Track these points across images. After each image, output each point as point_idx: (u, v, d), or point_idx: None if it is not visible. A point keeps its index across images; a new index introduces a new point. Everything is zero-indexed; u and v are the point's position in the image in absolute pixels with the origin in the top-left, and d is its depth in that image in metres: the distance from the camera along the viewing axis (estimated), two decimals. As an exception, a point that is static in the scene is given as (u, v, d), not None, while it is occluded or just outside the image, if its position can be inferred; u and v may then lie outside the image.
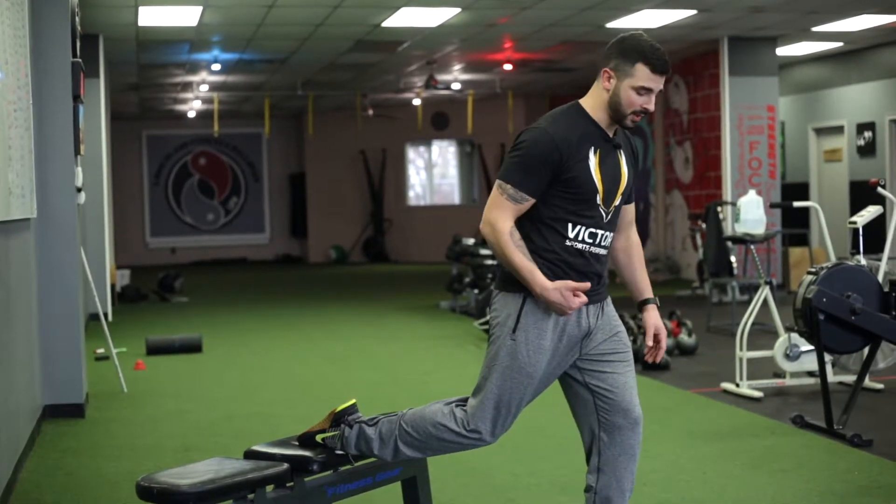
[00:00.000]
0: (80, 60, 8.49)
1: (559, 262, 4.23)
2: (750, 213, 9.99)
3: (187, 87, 21.02)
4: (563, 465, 6.33)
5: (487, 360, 4.32)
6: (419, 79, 20.54)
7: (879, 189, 8.17)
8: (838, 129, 17.72)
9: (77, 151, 8.40)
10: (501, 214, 4.20)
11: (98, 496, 6.06)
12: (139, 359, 10.93)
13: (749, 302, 11.04)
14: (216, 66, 18.09)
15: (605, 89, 4.26)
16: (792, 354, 8.67)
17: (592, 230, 4.25)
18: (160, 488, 4.15)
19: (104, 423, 8.08)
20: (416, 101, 23.62)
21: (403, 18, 13.99)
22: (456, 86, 20.90)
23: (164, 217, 27.69)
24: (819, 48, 17.35)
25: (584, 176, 4.20)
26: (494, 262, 14.15)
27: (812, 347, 8.03)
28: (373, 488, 4.76)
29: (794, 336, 8.56)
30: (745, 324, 8.82)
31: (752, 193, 10.16)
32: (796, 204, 9.48)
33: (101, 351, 11.11)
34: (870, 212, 8.22)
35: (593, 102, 4.30)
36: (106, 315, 13.64)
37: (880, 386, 8.69)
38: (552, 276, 4.20)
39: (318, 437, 4.58)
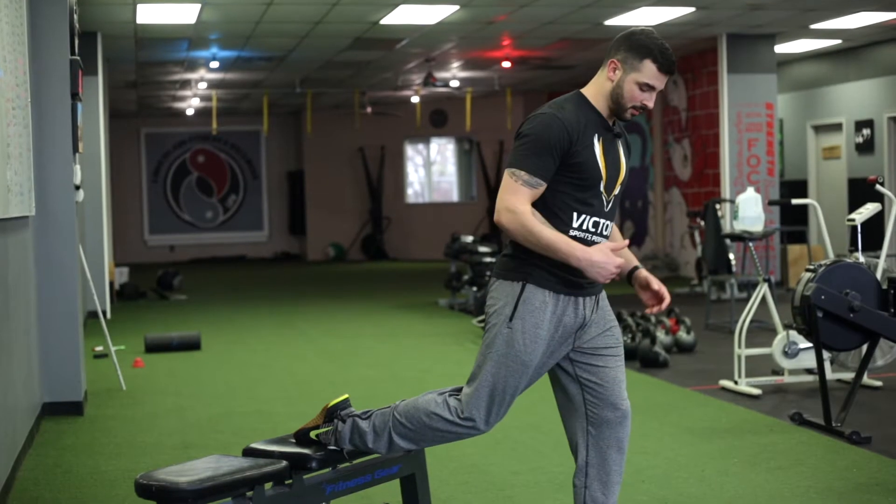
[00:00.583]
0: (78, 58, 8.49)
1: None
2: (748, 210, 10.00)
3: (186, 84, 21.02)
4: (562, 463, 6.34)
5: (483, 347, 4.31)
6: (418, 76, 20.55)
7: (878, 186, 8.17)
8: (837, 127, 17.73)
9: (75, 149, 8.40)
10: (518, 198, 4.15)
11: (97, 494, 6.06)
12: (138, 356, 10.93)
13: (747, 299, 11.06)
14: (214, 64, 18.09)
15: (610, 79, 4.28)
16: (790, 352, 8.67)
17: (595, 219, 4.26)
18: (159, 486, 4.15)
19: (103, 421, 8.08)
20: (415, 99, 23.62)
21: (402, 16, 13.99)
22: (454, 83, 20.90)
23: (163, 215, 27.69)
24: (818, 45, 17.35)
25: (591, 162, 4.21)
26: (493, 259, 14.17)
27: (810, 345, 8.03)
28: (371, 485, 4.76)
29: (793, 333, 8.56)
30: (744, 321, 8.83)
31: (750, 191, 10.17)
32: (795, 201, 9.49)
33: (99, 349, 11.11)
34: (868, 209, 8.23)
35: (595, 91, 4.32)
36: (105, 313, 13.64)
37: (879, 383, 8.69)
38: (554, 269, 4.20)
39: (313, 434, 4.59)
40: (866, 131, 16.87)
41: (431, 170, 28.35)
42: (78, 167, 8.54)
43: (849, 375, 8.63)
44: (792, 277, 15.95)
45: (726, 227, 14.13)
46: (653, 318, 10.86)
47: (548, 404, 6.30)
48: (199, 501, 4.18)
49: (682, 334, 10.73)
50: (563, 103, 4.27)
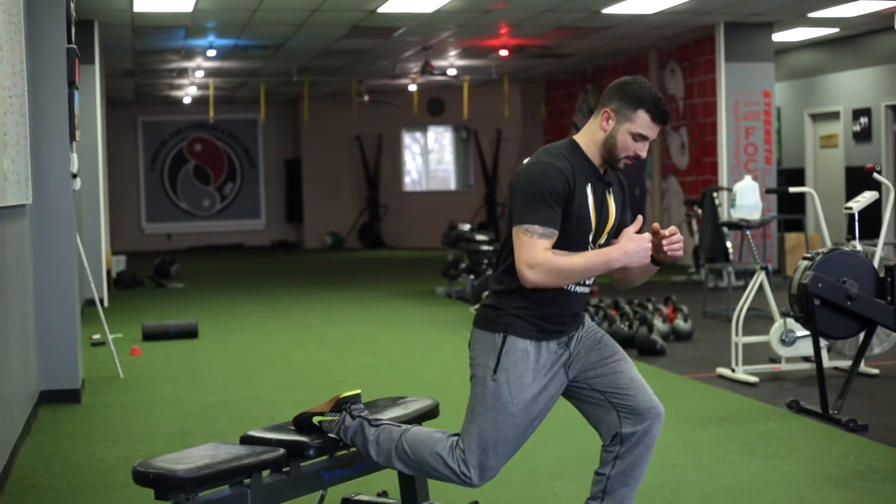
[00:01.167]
0: (75, 46, 8.48)
1: (532, 305, 4.25)
2: (746, 198, 10.00)
3: (183, 73, 21.00)
4: (560, 451, 6.35)
5: (470, 402, 4.34)
6: (415, 65, 20.52)
7: (875, 175, 8.17)
8: (834, 115, 17.73)
9: (72, 137, 8.39)
10: (535, 251, 4.12)
11: (94, 481, 6.07)
12: (135, 344, 10.93)
13: (745, 287, 11.07)
14: (211, 52, 18.07)
15: (603, 129, 4.26)
16: (787, 340, 8.68)
17: None
18: (156, 473, 4.16)
19: (100, 409, 8.09)
20: (412, 87, 23.60)
21: (399, 4, 13.98)
22: (452, 72, 20.89)
23: (160, 203, 27.67)
24: (815, 34, 17.35)
25: (583, 212, 4.22)
26: (490, 248, 14.18)
27: (808, 333, 8.04)
28: (368, 473, 4.77)
29: (790, 321, 8.57)
30: (741, 309, 8.83)
31: (747, 179, 10.17)
32: (792, 189, 9.48)
33: (97, 337, 11.11)
34: (865, 197, 8.23)
35: (588, 140, 4.31)
36: (102, 301, 13.64)
37: (876, 371, 8.70)
38: (533, 318, 4.25)
39: (316, 420, 4.59)
40: (864, 120, 16.87)
41: (429, 158, 28.33)
42: (75, 155, 8.53)
43: (846, 363, 8.64)
44: (789, 265, 15.95)
45: (723, 215, 14.13)
46: (650, 307, 10.87)
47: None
48: (197, 489, 4.18)
49: (680, 322, 10.74)
50: (557, 152, 4.25)
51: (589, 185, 4.24)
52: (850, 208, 8.13)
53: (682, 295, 12.95)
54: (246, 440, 4.64)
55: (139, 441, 7.03)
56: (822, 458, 6.26)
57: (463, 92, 22.89)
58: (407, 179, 27.86)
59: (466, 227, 15.94)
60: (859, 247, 7.87)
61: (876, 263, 7.78)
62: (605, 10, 14.75)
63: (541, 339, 4.28)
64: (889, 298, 7.15)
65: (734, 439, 6.73)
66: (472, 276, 14.21)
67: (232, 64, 19.85)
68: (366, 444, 4.49)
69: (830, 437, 6.73)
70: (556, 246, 4.17)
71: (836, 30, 16.92)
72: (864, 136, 16.89)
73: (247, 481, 4.37)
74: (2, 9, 6.52)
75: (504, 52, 19.02)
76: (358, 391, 4.62)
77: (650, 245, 4.17)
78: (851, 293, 7.11)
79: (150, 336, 11.46)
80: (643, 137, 4.24)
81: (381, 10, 14.35)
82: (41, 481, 6.11)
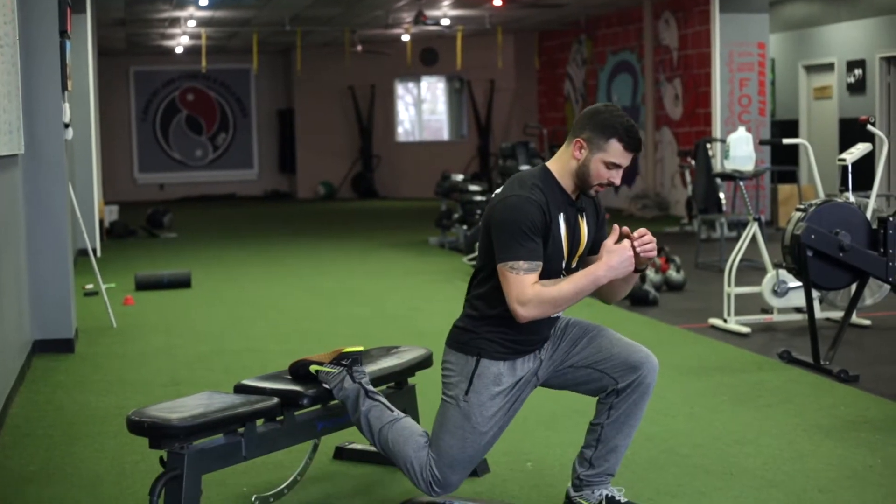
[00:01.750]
0: (66, -6, 8.42)
1: (507, 330, 4.31)
2: (739, 149, 9.97)
3: (175, 22, 20.87)
4: (552, 402, 6.36)
5: (440, 418, 4.41)
6: (408, 14, 20.42)
7: (869, 126, 8.16)
8: (828, 67, 17.68)
9: (64, 87, 8.36)
10: (523, 288, 4.16)
11: (88, 430, 6.09)
12: (128, 294, 10.94)
13: (737, 238, 11.07)
14: (204, 2, 17.94)
15: (576, 158, 4.29)
16: (780, 290, 8.70)
17: None
18: (151, 422, 4.17)
19: (94, 358, 8.10)
20: (405, 37, 23.48)
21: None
22: (445, 21, 20.79)
23: (153, 153, 27.58)
24: (810, -16, 17.27)
25: (556, 242, 4.27)
26: (483, 199, 14.17)
27: (800, 284, 8.06)
28: (362, 422, 4.78)
29: (782, 272, 8.59)
30: (734, 260, 8.85)
31: (741, 130, 10.14)
32: (786, 141, 9.48)
33: (90, 286, 11.11)
34: (859, 149, 8.23)
35: (560, 168, 4.33)
36: (95, 251, 13.63)
37: (867, 322, 8.73)
38: (506, 341, 4.32)
39: (313, 368, 4.61)
40: (858, 71, 16.83)
41: (422, 108, 28.25)
42: (67, 105, 8.49)
43: (837, 314, 8.67)
44: (782, 217, 15.96)
45: (717, 166, 14.11)
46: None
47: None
48: (191, 438, 4.20)
49: (672, 273, 10.76)
50: (531, 183, 4.28)
51: (561, 214, 4.29)
52: (844, 160, 8.13)
53: (675, 246, 12.97)
54: (240, 389, 4.66)
55: (133, 390, 7.04)
56: (814, 408, 6.29)
57: (456, 42, 22.80)
58: (400, 130, 27.79)
59: (459, 177, 15.93)
60: (852, 198, 7.87)
61: (869, 215, 7.80)
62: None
63: (515, 359, 4.37)
64: (881, 250, 7.16)
65: (726, 389, 6.76)
66: (464, 227, 14.21)
67: (224, 13, 19.74)
68: (356, 410, 4.55)
69: (822, 388, 6.76)
70: None
71: (831, -20, 16.84)
72: (858, 87, 16.85)
73: (241, 430, 4.39)
74: (-7, -44, 6.47)
75: (498, 2, 18.92)
76: (361, 348, 4.65)
77: (632, 253, 4.22)
78: (844, 244, 7.12)
79: (143, 286, 11.46)
80: (616, 166, 4.28)
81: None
82: (35, 430, 6.12)
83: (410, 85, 27.87)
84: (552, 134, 22.52)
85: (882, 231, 7.17)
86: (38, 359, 8.02)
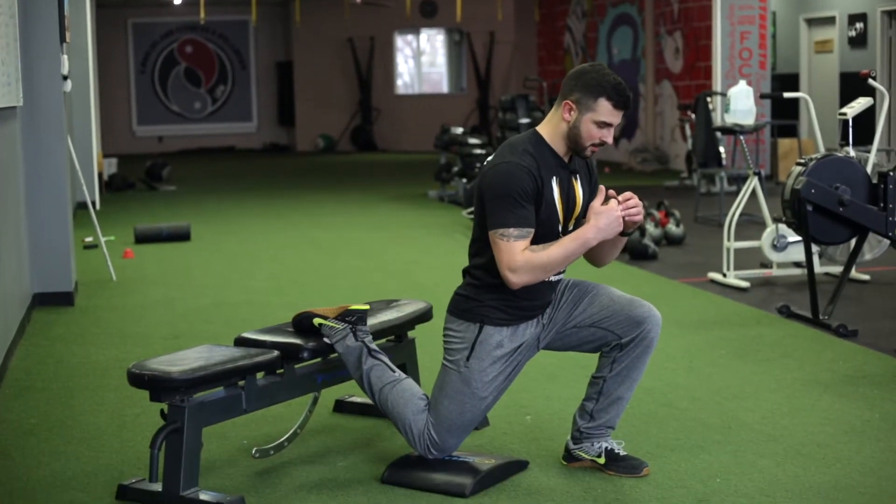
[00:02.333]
0: (64, -55, 8.37)
1: (510, 297, 4.33)
2: (739, 103, 9.95)
3: (173, -27, 20.75)
4: (548, 355, 6.35)
5: (439, 382, 4.44)
6: (408, -34, 20.29)
7: (870, 80, 8.13)
8: (830, 20, 17.59)
9: (62, 39, 8.32)
10: (513, 255, 4.18)
11: (88, 383, 6.10)
12: (127, 247, 10.94)
13: (737, 193, 11.06)
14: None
15: (566, 121, 4.29)
16: (779, 245, 8.70)
17: None
18: (151, 375, 4.18)
19: (93, 311, 8.11)
20: (405, -11, 23.37)
21: None
22: (445, -27, 20.67)
23: (151, 105, 27.49)
24: (812, -63, 17.16)
25: (550, 206, 4.28)
26: (483, 152, 14.14)
27: (799, 238, 8.05)
28: (362, 376, 4.79)
29: (782, 227, 8.58)
30: (733, 214, 8.84)
31: (742, 84, 10.11)
32: (786, 95, 9.44)
33: (89, 239, 11.11)
34: (860, 103, 8.20)
35: (552, 132, 4.34)
36: (94, 204, 13.62)
37: (866, 277, 8.74)
38: (509, 307, 4.34)
39: (316, 322, 4.62)
40: (859, 25, 16.75)
41: (421, 61, 28.15)
42: (65, 57, 8.46)
43: (837, 269, 8.68)
44: (782, 171, 15.94)
45: (717, 120, 14.07)
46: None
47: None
48: (191, 391, 4.22)
49: (672, 227, 10.75)
50: (522, 148, 4.28)
51: (554, 178, 4.29)
52: (845, 114, 8.11)
53: (675, 200, 12.96)
54: (240, 342, 4.67)
55: (133, 343, 7.06)
56: (812, 362, 6.30)
57: (456, -6, 22.69)
58: (399, 82, 27.70)
59: (459, 130, 15.89)
60: (853, 153, 7.86)
61: (869, 169, 7.78)
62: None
63: (518, 324, 4.38)
64: (881, 205, 7.15)
65: (725, 344, 6.77)
66: (464, 180, 14.19)
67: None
68: (358, 368, 4.56)
69: (820, 343, 6.77)
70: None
71: (834, -67, 16.74)
72: (859, 41, 16.78)
73: (241, 383, 4.40)
74: None
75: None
76: (366, 307, 4.65)
77: (620, 213, 4.23)
78: (844, 199, 7.11)
79: (143, 239, 11.46)
80: (607, 124, 4.28)
81: None
82: (35, 383, 6.14)
83: (410, 37, 27.75)
84: (552, 87, 22.42)
85: (882, 186, 7.16)
86: (38, 312, 8.03)
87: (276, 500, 4.36)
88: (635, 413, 5.29)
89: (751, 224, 10.85)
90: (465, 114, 25.85)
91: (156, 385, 4.17)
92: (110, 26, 25.87)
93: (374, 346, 4.59)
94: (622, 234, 4.31)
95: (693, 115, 14.73)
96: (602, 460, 4.53)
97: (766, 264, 9.05)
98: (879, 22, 16.39)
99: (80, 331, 7.46)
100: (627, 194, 4.29)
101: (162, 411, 4.29)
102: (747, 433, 5.04)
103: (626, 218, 4.27)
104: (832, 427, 5.12)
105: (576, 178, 4.38)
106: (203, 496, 4.20)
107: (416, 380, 5.07)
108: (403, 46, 27.84)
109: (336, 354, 4.68)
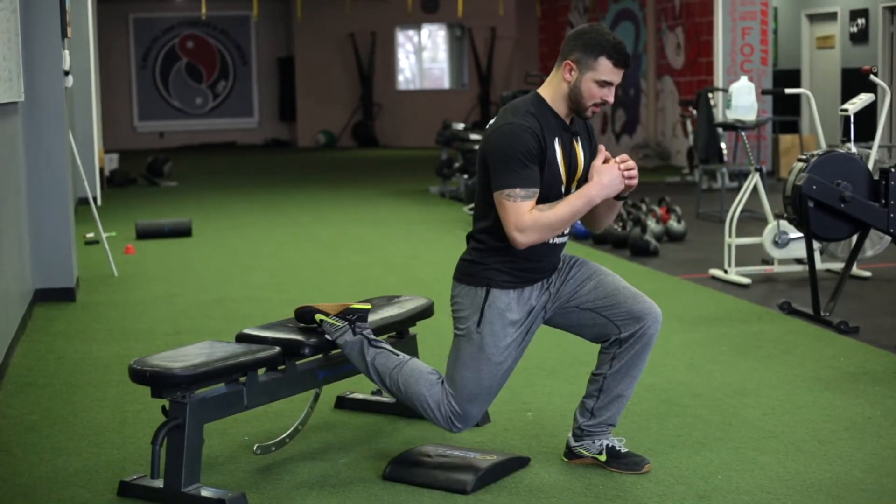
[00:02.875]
0: (65, -59, 8.36)
1: (515, 259, 4.33)
2: (741, 99, 9.95)
3: (174, -32, 20.74)
4: (554, 351, 6.38)
5: (454, 353, 4.43)
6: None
7: (872, 77, 8.13)
8: (831, 16, 17.58)
9: (64, 34, 8.32)
10: (520, 215, 4.19)
11: (90, 379, 6.10)
12: (129, 243, 10.94)
13: (738, 189, 11.06)
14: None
15: (567, 81, 4.31)
16: (780, 241, 8.70)
17: None
18: (153, 371, 4.18)
19: (95, 307, 8.11)
20: (406, -16, 23.37)
21: None
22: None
23: (152, 101, 27.49)
24: (814, -68, 17.14)
25: (553, 167, 4.28)
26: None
27: (801, 234, 8.05)
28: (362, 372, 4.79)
29: (783, 223, 8.58)
30: (735, 210, 8.84)
31: (743, 80, 10.10)
32: (788, 91, 9.44)
33: (90, 235, 11.11)
34: (861, 99, 8.19)
35: (553, 93, 4.35)
36: (95, 199, 13.62)
37: (868, 274, 8.73)
38: (514, 269, 4.33)
39: (318, 317, 4.61)
40: (861, 21, 16.74)
41: (422, 56, 28.14)
42: (67, 52, 8.46)
43: (838, 265, 8.68)
44: (783, 167, 15.93)
45: (718, 116, 14.07)
46: (643, 207, 10.86)
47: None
48: (193, 387, 4.21)
49: (673, 223, 10.75)
50: (524, 110, 4.30)
51: (556, 139, 4.30)
52: (846, 110, 8.11)
53: (676, 196, 12.96)
54: (241, 338, 4.67)
55: (134, 339, 7.06)
56: (813, 359, 6.30)
57: (457, -11, 22.67)
58: (400, 78, 27.70)
59: (460, 125, 15.88)
60: (854, 149, 7.85)
61: (870, 166, 7.78)
62: None
63: (524, 287, 4.38)
64: (883, 201, 7.15)
65: (726, 340, 6.77)
66: (465, 176, 14.19)
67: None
68: (362, 361, 4.55)
69: (821, 339, 6.77)
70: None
71: (835, -71, 16.71)
72: (861, 37, 16.77)
73: (242, 379, 4.40)
74: None
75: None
76: (368, 306, 4.64)
77: (620, 172, 4.25)
78: (845, 195, 7.11)
79: (144, 235, 11.46)
80: (607, 83, 4.29)
81: None
82: (37, 379, 6.14)
83: (411, 32, 27.75)
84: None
85: (884, 182, 7.16)
86: (40, 308, 8.03)
87: (277, 496, 4.36)
88: (636, 410, 5.29)
89: (752, 220, 10.85)
90: (466, 109, 25.84)
91: (157, 381, 4.17)
92: (111, 21, 25.87)
93: (373, 336, 4.59)
94: (617, 197, 4.33)
95: (694, 111, 14.73)
96: (603, 457, 4.53)
97: (767, 261, 9.05)
98: (881, 18, 16.38)
99: (82, 327, 7.46)
100: (624, 156, 4.32)
101: (163, 407, 4.29)
102: (748, 430, 5.04)
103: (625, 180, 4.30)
104: (833, 424, 5.12)
105: (577, 140, 4.40)
106: (204, 492, 4.20)
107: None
108: (405, 42, 27.84)
109: (337, 351, 4.68)
